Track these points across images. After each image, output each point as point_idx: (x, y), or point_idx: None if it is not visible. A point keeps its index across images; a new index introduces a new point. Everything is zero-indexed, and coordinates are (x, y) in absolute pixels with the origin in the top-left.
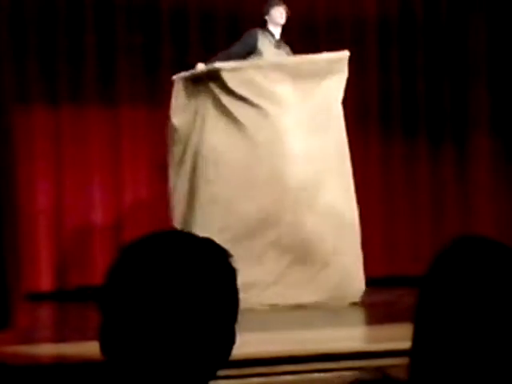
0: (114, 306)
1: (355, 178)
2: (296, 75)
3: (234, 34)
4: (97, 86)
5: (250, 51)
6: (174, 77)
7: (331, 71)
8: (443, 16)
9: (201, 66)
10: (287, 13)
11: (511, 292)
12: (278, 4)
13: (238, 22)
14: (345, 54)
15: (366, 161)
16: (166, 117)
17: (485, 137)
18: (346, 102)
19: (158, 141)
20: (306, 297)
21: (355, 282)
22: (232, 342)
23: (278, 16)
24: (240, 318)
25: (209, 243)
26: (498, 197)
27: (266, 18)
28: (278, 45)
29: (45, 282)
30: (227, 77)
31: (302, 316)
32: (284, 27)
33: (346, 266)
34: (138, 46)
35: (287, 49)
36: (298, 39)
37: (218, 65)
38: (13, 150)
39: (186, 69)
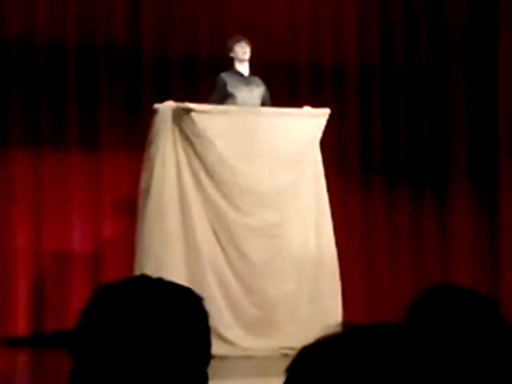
0: (84, 351)
1: (335, 226)
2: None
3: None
4: (78, 130)
5: (225, 97)
6: (158, 106)
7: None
8: (423, 64)
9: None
10: (249, 45)
11: (484, 339)
12: (239, 40)
13: (220, 66)
14: (325, 111)
15: (347, 208)
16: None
17: (465, 184)
18: (326, 149)
19: (138, 182)
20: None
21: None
22: None
23: (241, 52)
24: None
25: (181, 288)
26: (477, 244)
27: (232, 55)
28: (247, 81)
29: (21, 326)
30: (197, 118)
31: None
32: (265, 73)
33: (324, 312)
34: (119, 91)
35: (258, 81)
36: (280, 85)
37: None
38: None
39: None
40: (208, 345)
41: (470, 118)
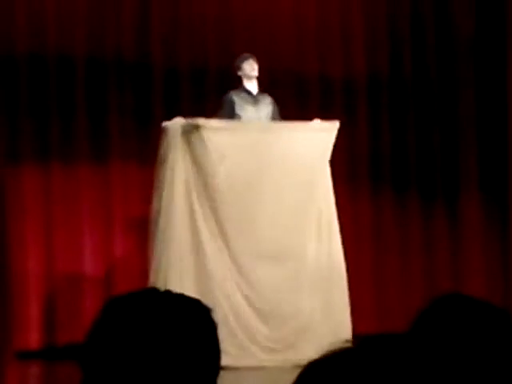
0: (94, 363)
1: (345, 237)
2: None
3: (225, 90)
4: (87, 144)
5: (231, 117)
6: (166, 124)
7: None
8: (432, 74)
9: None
10: (257, 63)
11: (492, 349)
12: (247, 58)
13: (229, 77)
14: (335, 125)
15: (357, 219)
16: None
17: (475, 194)
18: (335, 161)
19: (150, 197)
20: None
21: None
22: None
23: (249, 69)
24: None
25: (190, 300)
26: (488, 254)
27: (240, 73)
28: (256, 100)
29: (34, 339)
30: (206, 135)
31: None
32: (273, 84)
33: (336, 325)
34: (129, 103)
35: (267, 100)
36: (289, 97)
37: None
38: (2, 209)
39: None
40: (217, 356)
41: (479, 128)
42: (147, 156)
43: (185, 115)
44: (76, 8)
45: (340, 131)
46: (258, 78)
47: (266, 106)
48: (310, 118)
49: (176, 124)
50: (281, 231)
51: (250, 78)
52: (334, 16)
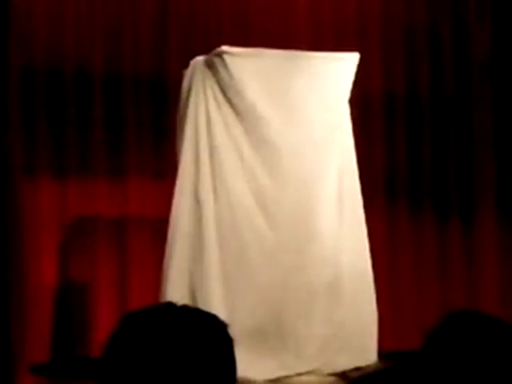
0: (111, 379)
1: None
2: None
3: None
4: (105, 158)
5: None
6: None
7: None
8: (448, 91)
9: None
10: None
11: (504, 367)
12: None
13: None
14: (355, 55)
15: (372, 234)
16: (173, 186)
17: (491, 210)
18: None
19: (166, 211)
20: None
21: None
22: None
23: None
24: None
25: (206, 315)
26: (504, 270)
27: None
28: None
29: (47, 353)
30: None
31: None
32: None
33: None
34: (146, 117)
35: None
36: None
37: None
38: (19, 223)
39: None
40: (233, 370)
41: (496, 143)
42: (164, 170)
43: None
44: (94, 25)
45: (355, 149)
46: None
47: None
48: None
49: (198, 60)
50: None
51: None
52: (350, 33)
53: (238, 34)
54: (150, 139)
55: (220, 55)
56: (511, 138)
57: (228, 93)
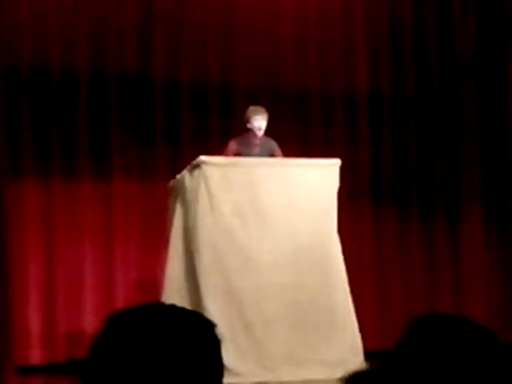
0: (96, 379)
1: (347, 254)
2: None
3: (227, 106)
4: (89, 159)
5: None
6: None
7: (321, 178)
8: (434, 91)
9: None
10: (267, 117)
11: (473, 367)
12: (256, 113)
13: (230, 94)
14: (336, 161)
15: (358, 237)
16: (158, 188)
17: (477, 210)
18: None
19: (151, 213)
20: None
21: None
22: None
23: (256, 127)
24: None
25: (194, 315)
26: (490, 269)
27: (248, 126)
28: (259, 151)
29: (35, 354)
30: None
31: None
32: (275, 101)
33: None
34: (130, 119)
35: (270, 147)
36: (291, 114)
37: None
38: (4, 223)
39: (178, 141)
40: (220, 371)
41: (481, 144)
42: (149, 172)
43: (186, 130)
44: (78, 24)
45: (342, 151)
46: (261, 91)
47: (268, 154)
48: (311, 134)
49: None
50: (286, 271)
51: (255, 133)
52: (336, 32)
53: (224, 33)
54: (134, 141)
55: (199, 165)
56: (496, 139)
57: (205, 201)
